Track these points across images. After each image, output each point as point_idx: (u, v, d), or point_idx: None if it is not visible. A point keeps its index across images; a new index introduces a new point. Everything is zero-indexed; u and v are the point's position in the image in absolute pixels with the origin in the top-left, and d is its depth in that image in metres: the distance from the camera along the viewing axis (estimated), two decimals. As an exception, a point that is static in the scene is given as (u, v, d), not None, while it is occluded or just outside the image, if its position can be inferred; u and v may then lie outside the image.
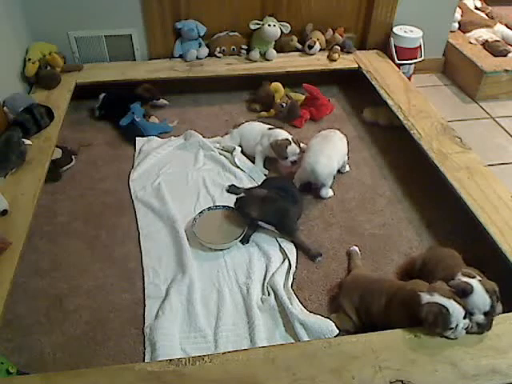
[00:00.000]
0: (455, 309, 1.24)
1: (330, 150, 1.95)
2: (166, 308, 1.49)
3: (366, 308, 1.43)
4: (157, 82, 2.51)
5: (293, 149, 1.99)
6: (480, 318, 1.26)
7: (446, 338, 1.26)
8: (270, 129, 2.18)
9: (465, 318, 1.25)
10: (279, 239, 1.76)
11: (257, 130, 2.19)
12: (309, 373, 1.18)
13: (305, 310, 1.49)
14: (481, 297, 1.27)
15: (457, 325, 1.24)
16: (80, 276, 1.64)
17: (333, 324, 1.43)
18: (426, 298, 1.28)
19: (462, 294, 1.27)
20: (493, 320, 1.28)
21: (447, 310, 1.24)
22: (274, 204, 1.72)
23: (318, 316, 1.47)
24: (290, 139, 2.01)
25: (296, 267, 1.66)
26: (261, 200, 1.72)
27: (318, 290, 1.59)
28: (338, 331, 1.42)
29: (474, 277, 1.33)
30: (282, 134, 2.10)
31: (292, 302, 1.50)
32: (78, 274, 1.64)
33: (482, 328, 1.26)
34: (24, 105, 2.06)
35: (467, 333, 1.26)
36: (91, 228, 1.83)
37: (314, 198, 1.97)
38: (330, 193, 1.98)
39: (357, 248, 1.72)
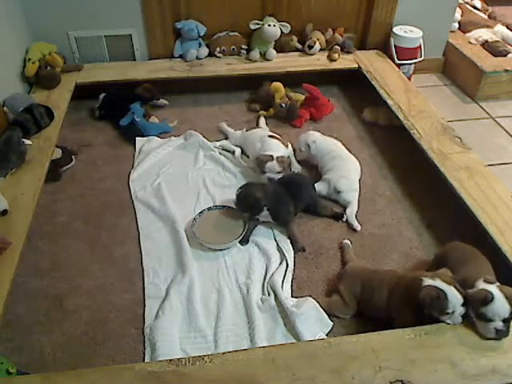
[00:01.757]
0: (453, 295, 1.27)
1: (354, 173, 2.00)
2: (166, 308, 1.49)
3: (368, 299, 1.44)
4: (157, 82, 2.51)
5: (272, 166, 1.94)
6: (499, 324, 1.25)
7: (443, 322, 1.29)
8: (269, 136, 2.14)
9: (463, 305, 1.27)
10: (277, 238, 1.77)
11: (257, 139, 2.16)
12: (309, 373, 1.18)
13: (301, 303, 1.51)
14: (501, 304, 1.25)
15: (453, 311, 1.27)
16: (80, 276, 1.64)
17: (328, 319, 1.45)
18: (427, 281, 1.31)
19: (482, 302, 1.26)
20: (510, 326, 1.27)
21: (445, 294, 1.26)
22: (269, 190, 1.77)
23: (315, 306, 1.48)
24: (275, 156, 1.95)
25: (296, 267, 1.66)
26: (259, 187, 1.77)
27: (318, 290, 1.59)
28: (332, 323, 1.44)
29: (493, 282, 1.31)
30: (273, 147, 2.05)
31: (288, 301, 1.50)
32: (77, 274, 1.64)
33: (501, 335, 1.25)
34: (24, 105, 2.06)
35: (487, 339, 1.26)
36: (91, 228, 1.83)
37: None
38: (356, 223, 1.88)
39: (348, 241, 1.73)
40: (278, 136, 2.19)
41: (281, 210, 1.76)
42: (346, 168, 1.99)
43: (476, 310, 1.28)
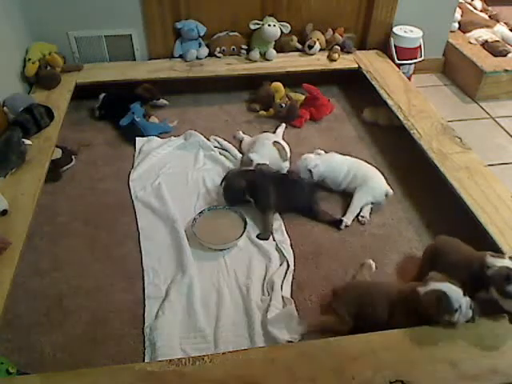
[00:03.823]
0: (452, 290, 1.26)
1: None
2: (165, 308, 1.49)
3: (367, 312, 1.40)
4: (157, 82, 2.51)
5: None
6: None
7: (455, 324, 1.26)
8: (275, 142, 2.07)
9: (464, 295, 1.26)
10: (277, 239, 1.77)
11: (261, 140, 2.13)
12: (309, 373, 1.18)
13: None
14: None
15: (460, 306, 1.25)
16: (80, 276, 1.64)
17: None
18: (422, 290, 1.29)
19: (506, 279, 1.28)
20: None
21: (444, 292, 1.25)
22: (253, 176, 1.85)
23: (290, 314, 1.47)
24: (254, 163, 1.93)
25: (296, 267, 1.66)
26: (244, 173, 1.85)
27: (318, 290, 1.59)
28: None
29: (500, 256, 1.36)
30: (264, 152, 2.01)
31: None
32: (77, 274, 1.64)
33: None
34: (24, 105, 2.06)
35: None
36: (91, 228, 1.83)
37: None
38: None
39: (373, 263, 1.65)
40: (285, 146, 2.11)
41: (260, 195, 1.82)
42: (375, 174, 1.98)
43: (501, 288, 1.28)
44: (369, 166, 2.01)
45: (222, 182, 1.89)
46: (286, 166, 2.07)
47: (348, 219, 1.84)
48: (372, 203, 1.90)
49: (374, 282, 1.56)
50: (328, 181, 1.99)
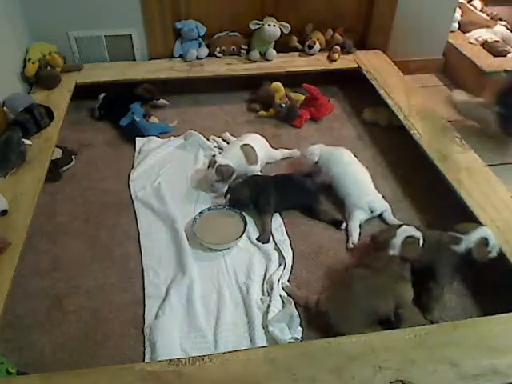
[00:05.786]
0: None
1: (368, 178, 1.94)
2: (165, 308, 1.49)
3: (370, 309, 1.41)
4: (157, 82, 2.51)
5: (210, 174, 1.93)
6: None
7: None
8: (243, 145, 2.03)
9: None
10: (277, 239, 1.77)
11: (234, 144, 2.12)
12: (309, 373, 1.18)
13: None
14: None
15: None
16: (80, 276, 1.64)
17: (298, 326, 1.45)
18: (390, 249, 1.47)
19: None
20: None
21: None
22: (254, 181, 1.89)
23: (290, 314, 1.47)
24: (217, 164, 1.90)
25: (296, 267, 1.66)
26: (246, 181, 1.89)
27: (318, 290, 1.59)
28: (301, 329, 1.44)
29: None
30: (230, 154, 2.00)
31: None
32: (77, 274, 1.64)
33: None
34: (24, 105, 2.06)
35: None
36: (91, 228, 1.83)
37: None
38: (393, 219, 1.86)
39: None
40: (253, 147, 2.04)
41: (259, 199, 1.83)
42: (368, 182, 1.93)
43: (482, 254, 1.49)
44: (361, 177, 1.93)
45: (225, 193, 1.87)
46: (255, 169, 2.03)
47: (353, 240, 1.76)
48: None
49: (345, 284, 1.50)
50: (323, 172, 1.99)
